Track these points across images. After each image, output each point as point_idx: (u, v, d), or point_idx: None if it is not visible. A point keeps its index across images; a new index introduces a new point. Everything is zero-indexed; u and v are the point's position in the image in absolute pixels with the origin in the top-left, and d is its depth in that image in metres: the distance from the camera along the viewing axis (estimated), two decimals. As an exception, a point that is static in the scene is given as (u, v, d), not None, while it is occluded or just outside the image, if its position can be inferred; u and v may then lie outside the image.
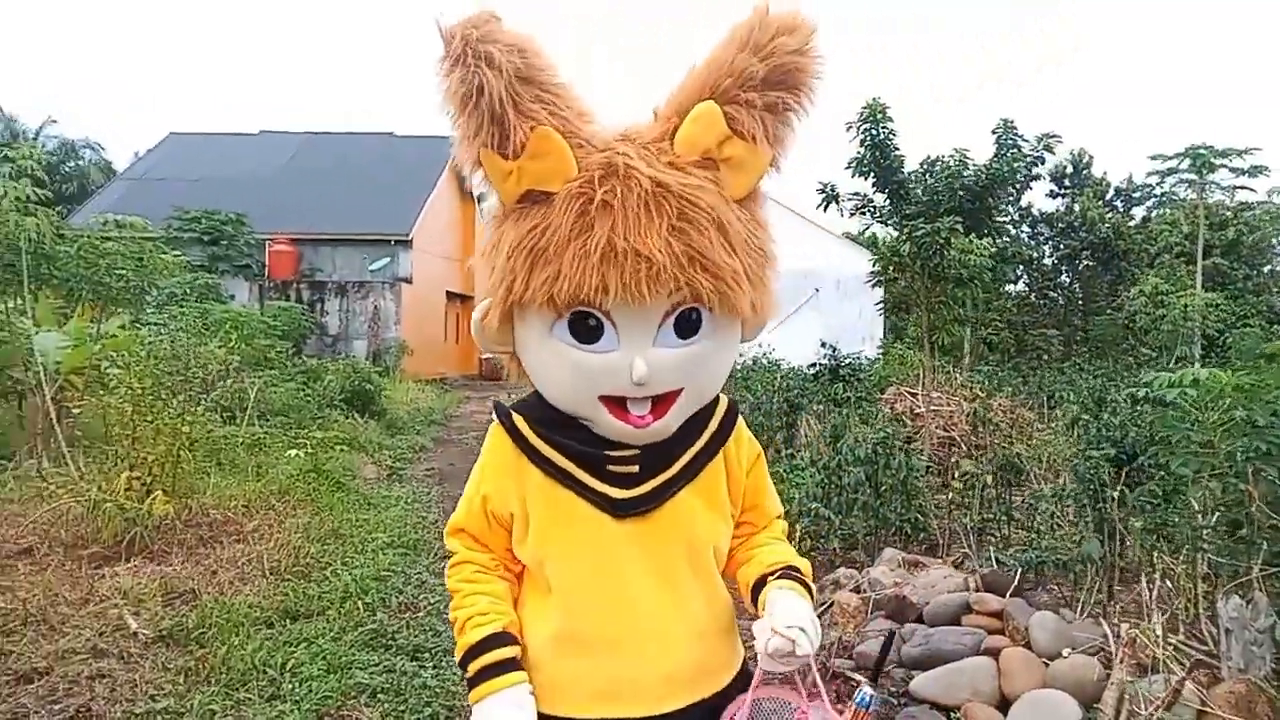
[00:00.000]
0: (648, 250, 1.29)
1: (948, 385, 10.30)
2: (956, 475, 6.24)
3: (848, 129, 9.98)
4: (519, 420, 1.53)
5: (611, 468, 1.48)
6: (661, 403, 1.43)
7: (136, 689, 3.25)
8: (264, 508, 6.17)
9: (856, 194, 10.45)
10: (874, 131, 9.80)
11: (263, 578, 4.65)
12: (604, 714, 1.48)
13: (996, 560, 4.33)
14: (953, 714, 2.99)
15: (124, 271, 7.72)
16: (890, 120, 9.85)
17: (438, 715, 3.25)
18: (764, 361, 11.87)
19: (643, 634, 1.49)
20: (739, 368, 12.36)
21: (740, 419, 1.63)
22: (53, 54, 79.78)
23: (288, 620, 4.08)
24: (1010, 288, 25.54)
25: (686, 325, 1.39)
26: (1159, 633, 2.90)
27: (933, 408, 9.22)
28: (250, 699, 3.25)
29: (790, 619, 1.38)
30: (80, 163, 35.67)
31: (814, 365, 11.24)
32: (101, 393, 7.79)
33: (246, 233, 20.58)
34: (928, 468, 6.38)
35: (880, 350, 14.61)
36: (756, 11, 1.35)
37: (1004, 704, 2.94)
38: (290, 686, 3.36)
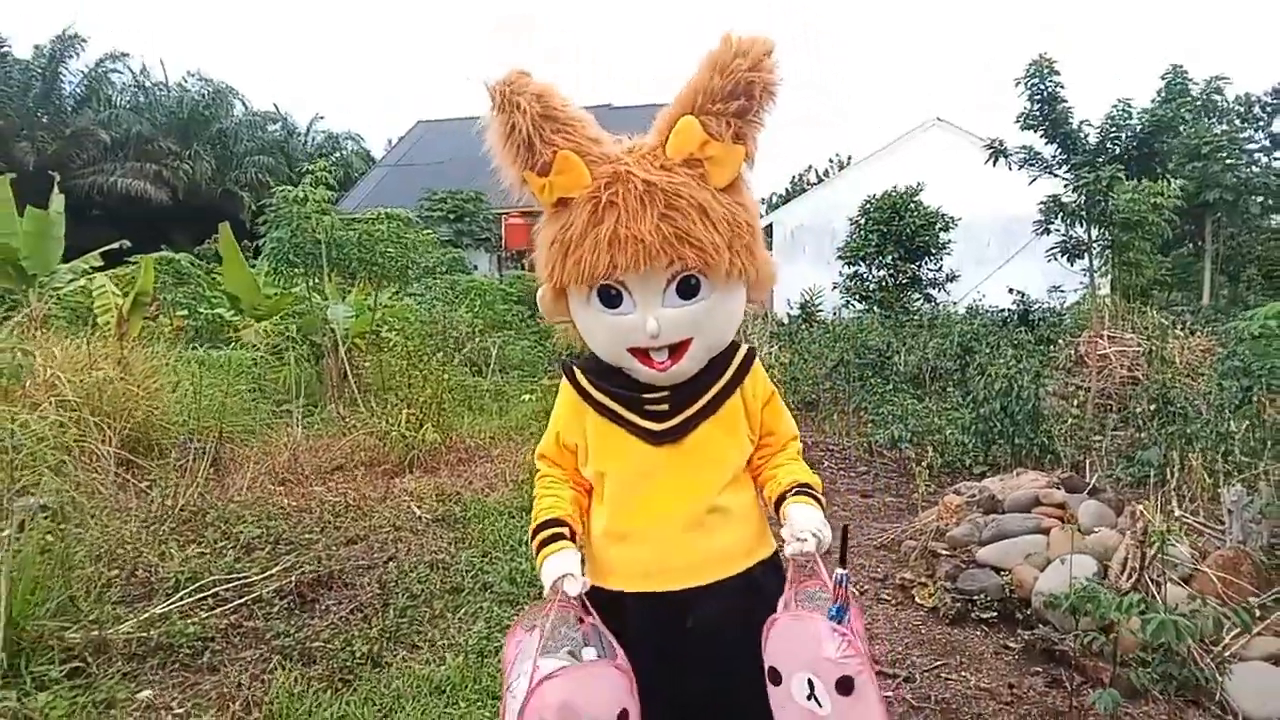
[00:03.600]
0: (642, 234, 1.69)
1: (1144, 327, 10.31)
2: (1116, 410, 6.72)
3: (1015, 85, 10.11)
4: (578, 373, 1.97)
5: (647, 406, 1.89)
6: (677, 351, 1.82)
7: (424, 548, 4.71)
8: (505, 439, 7.69)
9: (1024, 148, 10.53)
10: (1042, 86, 9.88)
11: (505, 486, 6.09)
12: (641, 588, 1.90)
13: (1105, 475, 4.97)
14: (1003, 572, 3.84)
15: (392, 253, 9.47)
16: (1058, 74, 9.88)
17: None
18: (953, 311, 12.20)
19: (668, 530, 1.89)
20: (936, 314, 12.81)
21: (756, 362, 1.99)
22: (315, 55, 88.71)
23: (523, 513, 5.45)
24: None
25: (687, 289, 1.78)
26: (1165, 510, 3.59)
27: (1118, 349, 9.41)
28: (499, 556, 4.63)
29: (800, 528, 1.80)
30: (343, 152, 40.14)
31: (1003, 310, 11.49)
32: (380, 352, 9.72)
33: (485, 209, 22.82)
34: (1077, 399, 6.84)
35: (1081, 296, 14.33)
36: (723, 39, 1.72)
37: (1046, 567, 3.74)
38: (524, 550, 4.70)
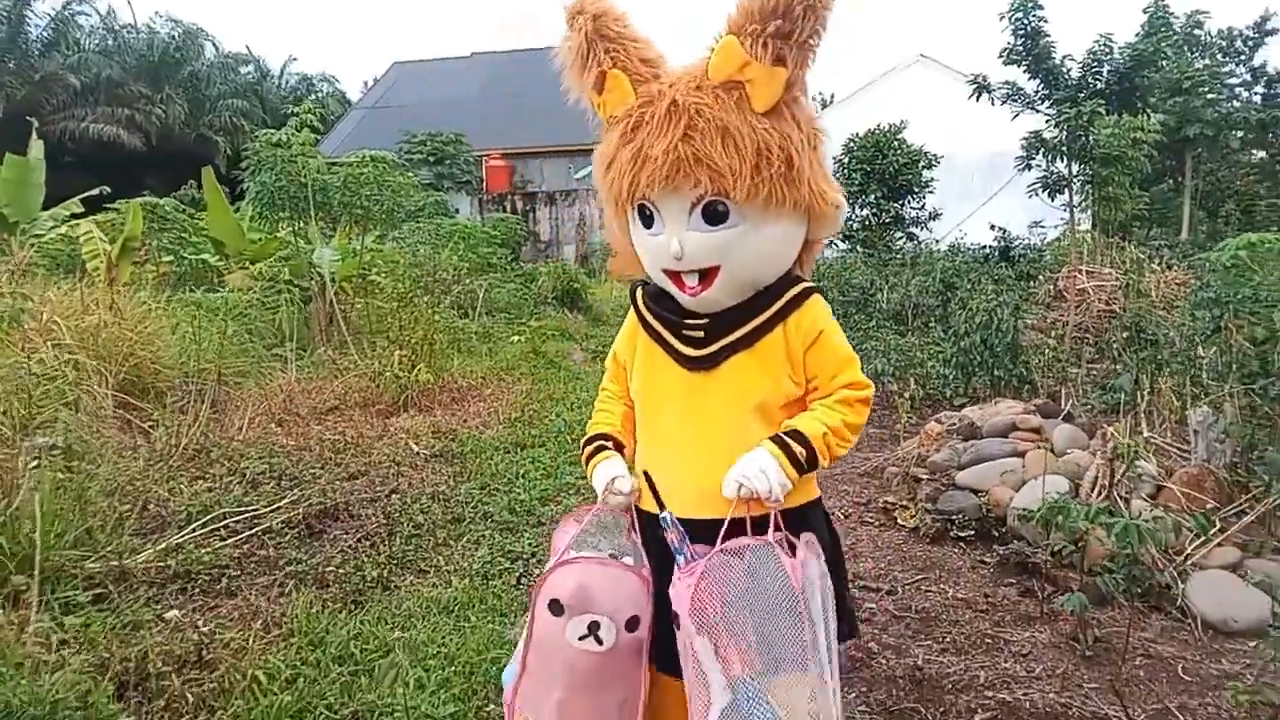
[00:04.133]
0: (659, 153, 1.68)
1: (1122, 262, 10.49)
2: (1092, 343, 6.91)
3: (1000, 19, 10.12)
4: (639, 294, 2.00)
5: (686, 332, 1.87)
6: (706, 277, 1.78)
7: (424, 482, 4.87)
8: (495, 379, 7.83)
9: (1008, 83, 10.58)
10: (1025, 20, 9.90)
11: (499, 424, 6.24)
12: (650, 508, 1.89)
13: (1080, 403, 5.17)
14: (980, 494, 4.04)
15: (377, 196, 9.46)
16: (1041, 8, 9.89)
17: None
18: (936, 249, 12.35)
19: (685, 455, 1.86)
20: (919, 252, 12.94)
21: (810, 302, 1.85)
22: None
23: (518, 449, 5.62)
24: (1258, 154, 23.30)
25: (714, 215, 1.73)
26: (1135, 431, 3.78)
27: (1097, 283, 9.60)
28: (497, 489, 4.79)
29: (732, 473, 1.73)
30: (319, 94, 39.43)
31: (985, 247, 11.64)
32: (368, 295, 9.77)
33: (465, 151, 22.59)
34: (1054, 331, 7.03)
35: (1062, 232, 14.48)
36: None
37: (1021, 488, 3.94)
38: (521, 483, 4.86)
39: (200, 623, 2.98)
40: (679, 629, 1.68)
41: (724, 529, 1.70)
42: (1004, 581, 3.55)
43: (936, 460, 4.48)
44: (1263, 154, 27.18)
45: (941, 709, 2.66)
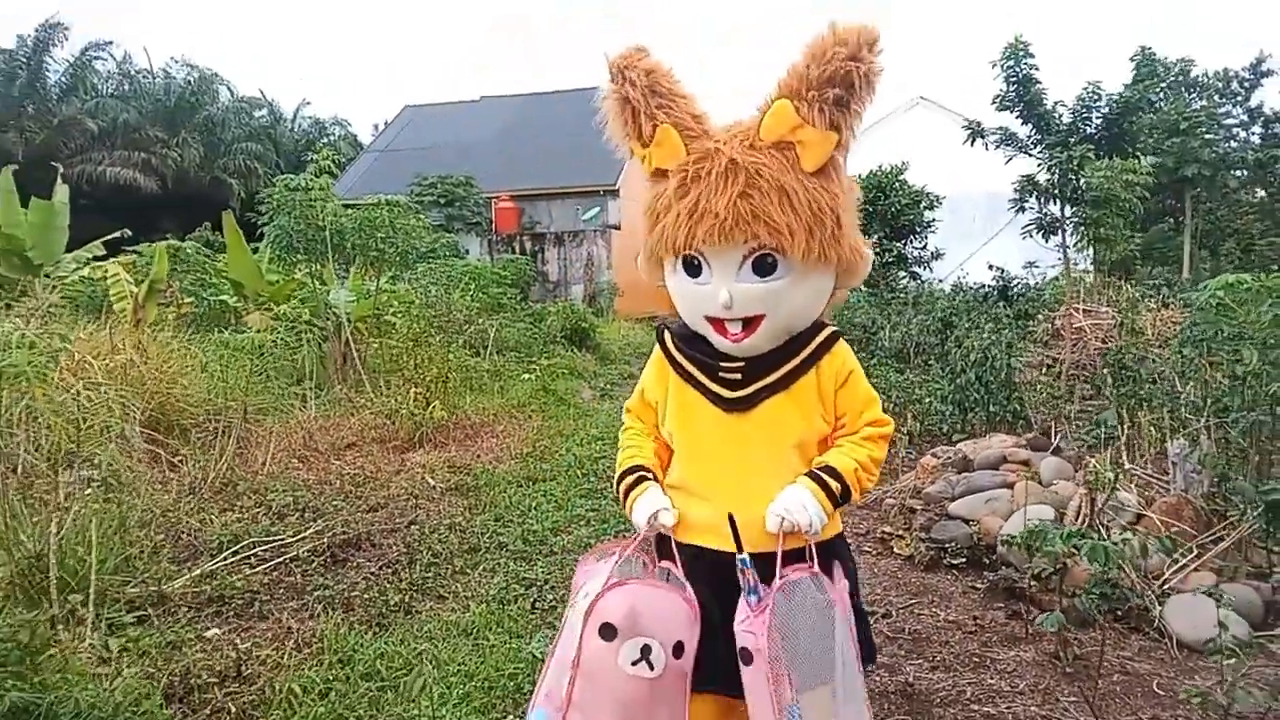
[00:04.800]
0: (719, 209, 1.76)
1: (1119, 300, 10.74)
2: (1080, 380, 7.11)
3: (992, 66, 10.48)
4: (667, 337, 2.08)
5: (722, 374, 1.95)
6: (750, 325, 1.87)
7: (441, 513, 5.08)
8: (507, 416, 8.06)
9: (1001, 128, 10.93)
10: (1017, 68, 10.26)
11: (512, 459, 6.46)
12: (700, 542, 1.94)
13: (1073, 438, 5.37)
14: (971, 523, 4.24)
15: (392, 239, 9.77)
16: (1031, 56, 10.27)
17: (626, 528, 4.85)
18: (938, 288, 12.64)
19: (726, 492, 1.92)
20: (921, 291, 13.20)
21: (838, 345, 1.98)
22: (298, 40, 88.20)
23: (531, 483, 5.83)
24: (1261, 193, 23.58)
25: (763, 266, 1.82)
26: (1116, 463, 3.99)
27: (1094, 321, 9.83)
28: (511, 520, 5.00)
29: (774, 507, 1.85)
30: (330, 138, 40.19)
31: (983, 287, 11.92)
32: (382, 335, 10.03)
33: (475, 193, 23.00)
34: (1052, 369, 7.25)
35: (1060, 271, 14.79)
36: (828, 26, 1.76)
37: (1010, 517, 4.14)
38: (534, 515, 5.07)
39: (237, 641, 3.19)
40: (749, 665, 1.74)
41: (754, 563, 1.81)
42: (992, 605, 3.74)
43: (931, 492, 4.69)
44: (1262, 193, 27.49)
45: (929, 721, 2.85)
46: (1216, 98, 23.36)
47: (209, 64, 48.04)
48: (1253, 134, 26.83)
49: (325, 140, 39.17)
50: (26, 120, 29.55)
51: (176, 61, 35.32)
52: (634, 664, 1.75)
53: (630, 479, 2.03)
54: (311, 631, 3.42)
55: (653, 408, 2.13)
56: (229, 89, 36.76)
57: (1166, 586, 3.49)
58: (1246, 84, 25.74)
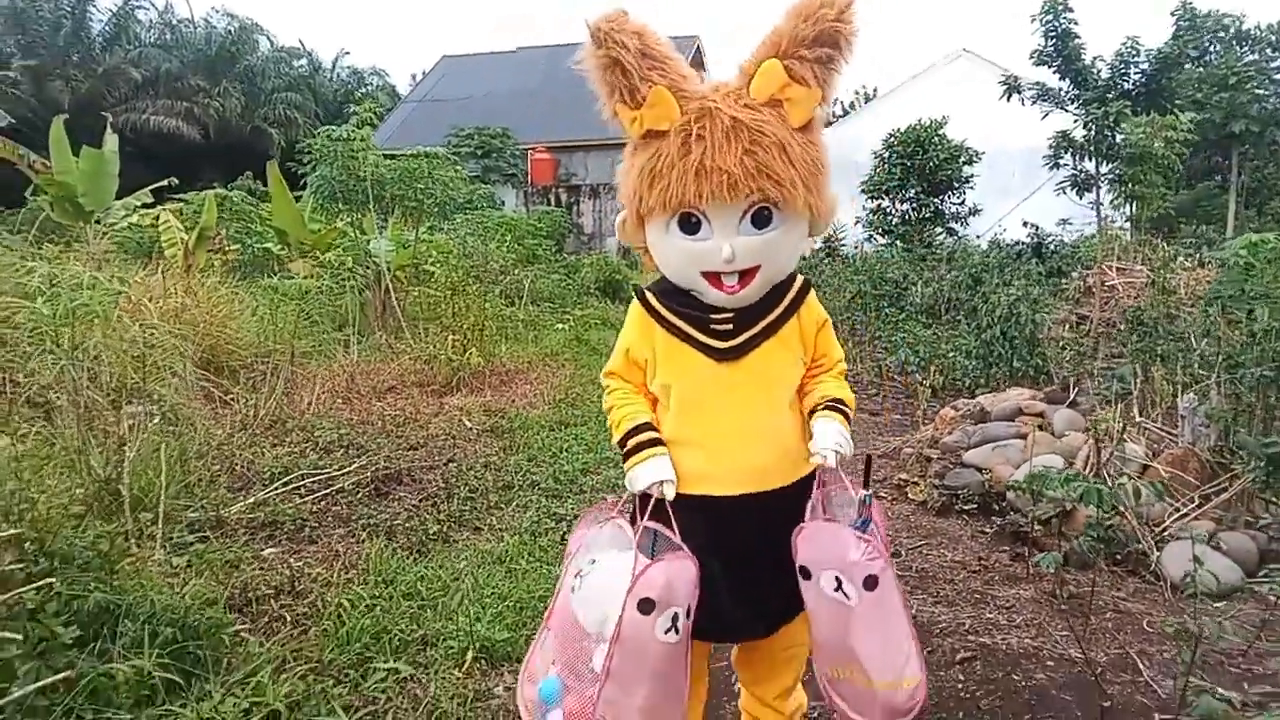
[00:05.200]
0: (727, 166, 1.80)
1: (1153, 259, 10.69)
2: (1106, 337, 7.17)
3: (1031, 20, 10.33)
4: (650, 295, 2.08)
5: (713, 326, 2.00)
6: (746, 276, 1.93)
7: (477, 453, 5.34)
8: (541, 364, 8.29)
9: (1038, 83, 10.79)
10: (1055, 23, 10.11)
11: (545, 404, 6.70)
12: (701, 491, 1.99)
13: (1095, 393, 5.48)
14: (984, 471, 4.40)
15: (432, 189, 9.98)
16: (1071, 10, 10.10)
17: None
18: (974, 245, 12.62)
19: (724, 438, 2.00)
20: (956, 247, 13.18)
21: (811, 294, 2.10)
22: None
23: (562, 426, 6.07)
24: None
25: (761, 219, 1.88)
26: (1127, 416, 4.12)
27: (1127, 279, 9.82)
28: (543, 460, 5.25)
29: (821, 444, 1.95)
30: (369, 88, 40.31)
31: (1018, 243, 11.87)
32: (420, 284, 10.28)
33: (511, 144, 23.10)
34: (1081, 326, 7.31)
35: (1102, 227, 14.60)
36: None
37: (1021, 465, 4.30)
38: (565, 456, 5.31)
39: (291, 561, 3.47)
40: (873, 590, 1.86)
41: (754, 502, 1.98)
42: (999, 548, 3.92)
43: (948, 442, 4.85)
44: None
45: (929, 649, 3.05)
46: (1269, 51, 22.62)
47: (248, 14, 48.11)
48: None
49: (363, 90, 39.32)
50: (72, 69, 29.94)
51: (216, 12, 35.56)
52: (666, 632, 1.82)
53: (642, 437, 2.02)
54: (357, 555, 3.70)
55: (640, 366, 2.11)
56: (268, 39, 36.93)
57: (1167, 533, 3.65)
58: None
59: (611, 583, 1.85)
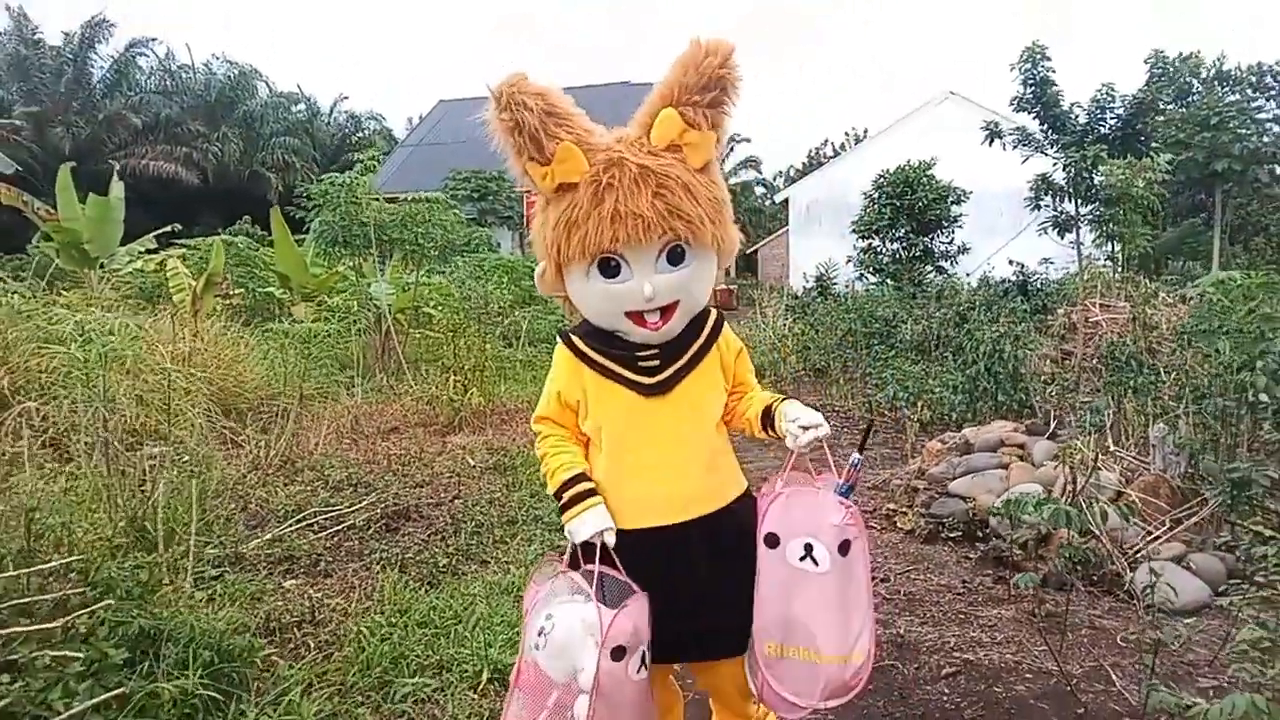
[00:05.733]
0: (640, 210, 1.90)
1: (1137, 294, 10.99)
2: (1087, 372, 7.42)
3: (1010, 69, 10.75)
4: (575, 339, 2.14)
5: (640, 363, 2.08)
6: (667, 312, 2.03)
7: (481, 490, 5.53)
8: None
9: (1018, 128, 11.18)
10: (1034, 71, 10.51)
11: (545, 442, 6.90)
12: (642, 524, 2.06)
13: (1076, 425, 5.71)
14: (968, 500, 4.61)
15: (433, 234, 10.25)
16: (1049, 59, 10.52)
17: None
18: (963, 283, 12.91)
19: (659, 469, 2.08)
20: (945, 286, 13.46)
21: (725, 325, 2.22)
22: (333, 35, 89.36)
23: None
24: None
25: (675, 256, 1.99)
26: (1102, 446, 4.34)
27: (1110, 316, 10.09)
28: (544, 496, 5.41)
29: (807, 419, 2.02)
30: (365, 132, 40.89)
31: (1004, 281, 12.17)
32: (420, 326, 10.52)
33: (507, 187, 23.49)
34: (1066, 361, 7.55)
35: (1083, 266, 14.94)
36: (693, 42, 1.94)
37: (1003, 494, 4.51)
38: (567, 492, 5.51)
39: (311, 592, 3.65)
40: (846, 556, 2.00)
41: (696, 526, 2.06)
42: (982, 572, 4.12)
43: (934, 473, 5.06)
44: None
45: (916, 665, 3.25)
46: (1250, 91, 23.19)
47: (248, 60, 48.94)
48: (1290, 127, 26.72)
49: (360, 135, 39.91)
50: (73, 115, 30.41)
51: (216, 58, 36.12)
52: (637, 671, 1.95)
53: (578, 489, 2.05)
54: (371, 587, 3.88)
55: (572, 409, 2.15)
56: (267, 84, 37.55)
57: (1139, 555, 3.85)
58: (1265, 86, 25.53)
59: (572, 634, 1.91)
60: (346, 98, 47.71)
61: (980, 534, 4.43)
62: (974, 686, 3.08)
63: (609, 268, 1.98)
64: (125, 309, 9.12)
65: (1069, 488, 4.12)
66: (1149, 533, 3.99)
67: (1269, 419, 3.93)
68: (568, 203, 1.96)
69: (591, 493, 2.05)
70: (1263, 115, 18.76)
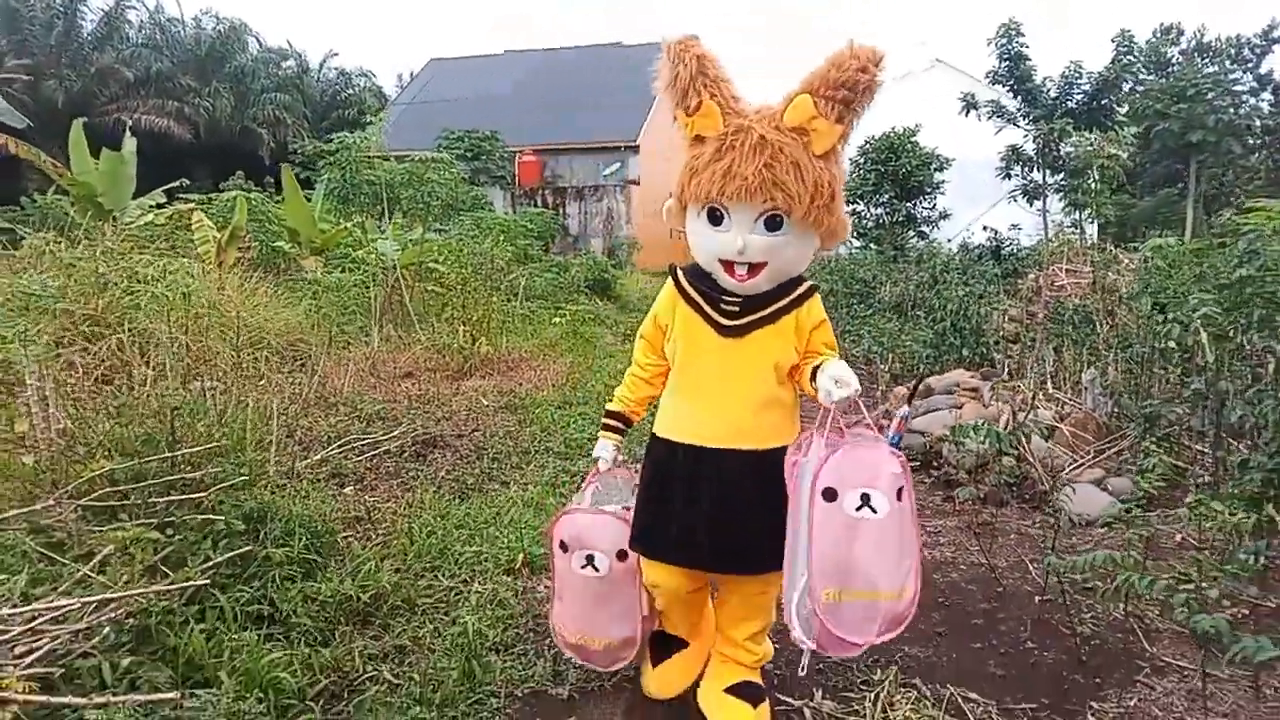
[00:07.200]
0: (746, 174, 2.16)
1: (1100, 260, 11.68)
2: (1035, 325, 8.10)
3: (988, 44, 11.33)
4: (680, 274, 2.50)
5: (724, 306, 2.40)
6: (755, 269, 2.30)
7: (497, 425, 6.18)
8: (542, 354, 9.13)
9: (992, 101, 11.78)
10: (1009, 46, 11.08)
11: (550, 388, 7.54)
12: (689, 440, 2.44)
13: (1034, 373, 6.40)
14: (926, 435, 5.30)
15: (438, 192, 10.79)
16: (1022, 35, 11.09)
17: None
18: (943, 248, 13.58)
19: (717, 397, 2.41)
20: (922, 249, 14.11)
21: (815, 297, 2.45)
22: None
23: (568, 405, 6.91)
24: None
25: (773, 224, 2.24)
26: (1041, 387, 5.02)
27: (1075, 280, 10.79)
28: (554, 431, 6.10)
29: (838, 372, 2.22)
30: (356, 89, 40.85)
31: (978, 247, 12.83)
32: (425, 281, 11.07)
33: (499, 147, 23.80)
34: (1029, 320, 8.23)
35: (1054, 233, 15.60)
36: (848, 42, 2.20)
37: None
38: (573, 428, 6.16)
39: (366, 498, 4.30)
40: (901, 501, 2.19)
41: (730, 457, 2.40)
42: (934, 492, 4.83)
43: (898, 413, 5.73)
44: (1268, 158, 27.88)
45: (872, 560, 3.93)
46: (1228, 64, 23.72)
47: (237, 14, 48.51)
48: (1262, 100, 27.28)
49: (351, 91, 39.88)
50: (65, 69, 30.40)
51: (206, 13, 35.97)
52: (582, 567, 2.55)
53: (610, 422, 2.73)
54: (413, 498, 4.53)
55: (662, 330, 2.53)
56: (257, 39, 37.39)
57: (1067, 478, 4.54)
58: (1258, 50, 26.11)
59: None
60: (336, 54, 47.54)
61: (935, 463, 5.12)
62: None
63: (715, 216, 2.30)
64: (150, 260, 9.63)
65: (1009, 422, 4.80)
66: (1076, 460, 4.68)
67: (1178, 364, 4.61)
68: (697, 152, 2.28)
69: (617, 429, 2.73)
70: (1239, 87, 19.35)
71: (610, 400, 2.75)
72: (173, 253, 10.49)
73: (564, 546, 2.56)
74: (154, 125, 30.61)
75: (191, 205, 12.78)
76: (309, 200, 12.96)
